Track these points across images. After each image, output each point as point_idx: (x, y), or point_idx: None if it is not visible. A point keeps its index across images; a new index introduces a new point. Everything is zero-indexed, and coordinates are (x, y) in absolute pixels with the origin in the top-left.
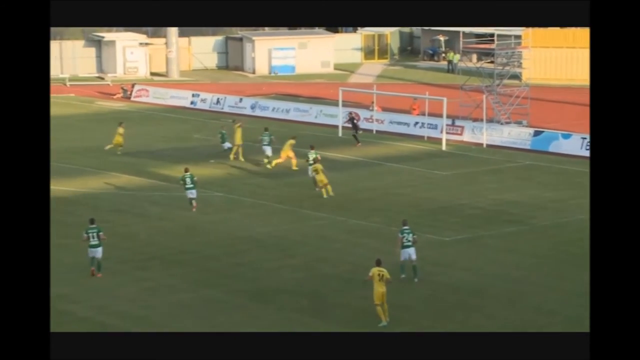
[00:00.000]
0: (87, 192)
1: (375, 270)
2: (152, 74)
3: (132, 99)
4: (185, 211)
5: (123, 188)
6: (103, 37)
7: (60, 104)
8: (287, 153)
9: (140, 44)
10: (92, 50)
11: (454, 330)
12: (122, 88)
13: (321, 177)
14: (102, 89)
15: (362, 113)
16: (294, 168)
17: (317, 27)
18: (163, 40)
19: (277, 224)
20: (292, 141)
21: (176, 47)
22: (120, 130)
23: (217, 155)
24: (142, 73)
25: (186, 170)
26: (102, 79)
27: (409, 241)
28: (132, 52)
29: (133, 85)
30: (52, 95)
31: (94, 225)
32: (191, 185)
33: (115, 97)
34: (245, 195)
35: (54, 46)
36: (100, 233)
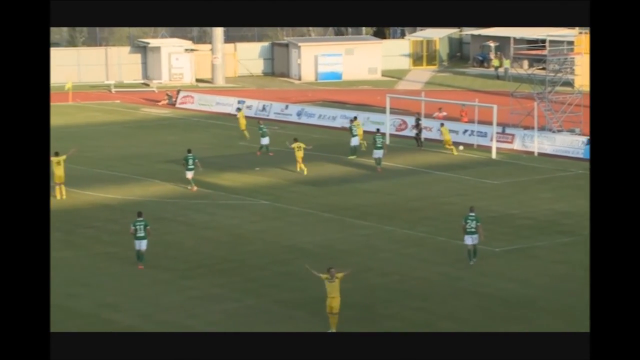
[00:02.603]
0: (132, 200)
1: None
2: (198, 80)
3: (177, 105)
4: (230, 219)
5: (168, 196)
6: (148, 43)
7: (105, 111)
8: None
9: (186, 50)
10: (137, 57)
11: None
12: (167, 95)
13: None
14: (147, 96)
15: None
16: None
17: (363, 33)
18: (208, 46)
19: (324, 232)
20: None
21: (222, 53)
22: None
23: (263, 162)
24: (188, 79)
25: (189, 151)
26: (148, 85)
27: (473, 228)
28: (178, 58)
29: (178, 92)
30: (97, 102)
31: (141, 219)
32: (192, 167)
33: (160, 103)
34: (291, 204)
35: (100, 52)
36: (148, 227)
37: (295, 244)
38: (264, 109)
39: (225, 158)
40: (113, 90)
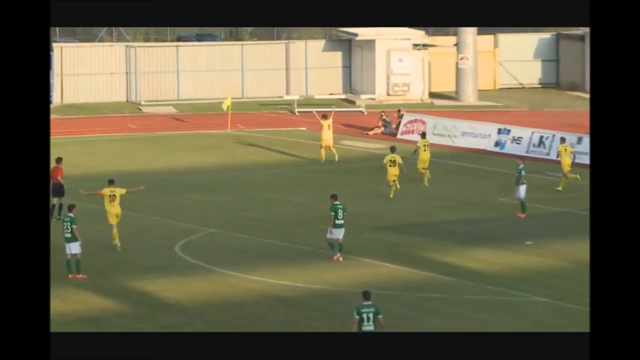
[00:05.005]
0: (321, 290)
1: None
2: (432, 95)
3: (399, 136)
4: (484, 325)
5: (382, 284)
6: (355, 34)
7: (283, 144)
8: None
9: (415, 46)
10: (336, 56)
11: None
12: (383, 119)
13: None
14: (350, 120)
15: None
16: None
17: None
18: (451, 39)
19: None
20: None
21: (474, 50)
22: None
23: (537, 232)
24: (417, 93)
25: (334, 198)
26: (352, 102)
27: None
28: (402, 58)
29: (401, 114)
30: (271, 129)
31: (368, 302)
32: (342, 221)
33: (371, 133)
34: (585, 303)
35: (277, 50)
36: (380, 316)
37: None
38: (541, 142)
39: (476, 224)
40: (296, 110)
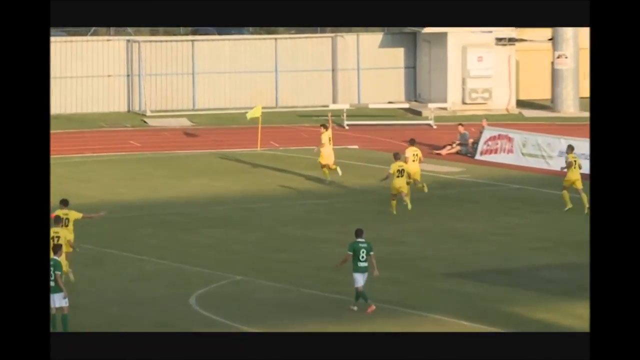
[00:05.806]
0: None
1: None
2: (521, 104)
3: (477, 156)
4: None
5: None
6: (421, 28)
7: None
8: None
9: (499, 40)
10: (397, 54)
11: None
12: (462, 135)
13: None
14: (415, 135)
15: None
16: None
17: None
18: (546, 32)
19: None
20: None
21: (574, 46)
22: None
23: None
24: (501, 102)
25: (358, 234)
26: (418, 113)
27: None
28: (481, 57)
29: (481, 129)
30: (311, 147)
31: None
32: (364, 264)
33: (443, 152)
34: None
35: (321, 46)
36: None
37: None
38: None
39: (578, 270)
40: (345, 123)
